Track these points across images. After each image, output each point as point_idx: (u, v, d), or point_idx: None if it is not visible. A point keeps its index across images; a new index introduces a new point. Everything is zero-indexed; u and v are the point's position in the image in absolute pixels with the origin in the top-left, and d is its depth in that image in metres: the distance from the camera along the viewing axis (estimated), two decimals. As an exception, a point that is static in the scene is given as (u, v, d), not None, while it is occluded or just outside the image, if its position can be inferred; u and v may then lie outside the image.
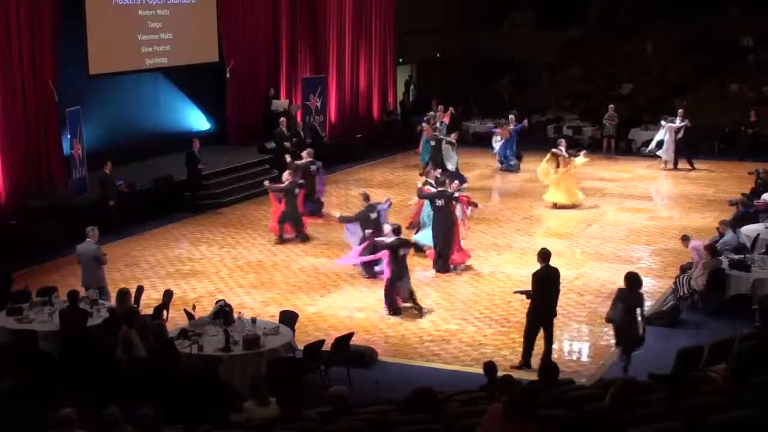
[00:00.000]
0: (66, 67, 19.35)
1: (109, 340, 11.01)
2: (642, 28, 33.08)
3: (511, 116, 24.94)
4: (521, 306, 12.75)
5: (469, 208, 16.64)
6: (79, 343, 11.27)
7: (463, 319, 13.67)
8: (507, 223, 19.20)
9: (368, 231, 15.00)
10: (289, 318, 12.15)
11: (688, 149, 24.58)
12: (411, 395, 7.87)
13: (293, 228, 17.89)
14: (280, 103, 24.79)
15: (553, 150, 20.39)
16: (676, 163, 24.60)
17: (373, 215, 15.60)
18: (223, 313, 11.47)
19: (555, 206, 20.22)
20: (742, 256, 14.19)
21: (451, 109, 25.27)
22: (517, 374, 10.70)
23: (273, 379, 10.15)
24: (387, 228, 14.41)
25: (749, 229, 15.78)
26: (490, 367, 9.76)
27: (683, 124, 24.25)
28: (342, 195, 22.18)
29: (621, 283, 11.53)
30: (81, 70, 19.85)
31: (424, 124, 23.85)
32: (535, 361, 11.70)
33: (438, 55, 33.82)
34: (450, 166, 21.52)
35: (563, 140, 21.27)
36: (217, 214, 20.08)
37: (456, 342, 12.84)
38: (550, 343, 11.90)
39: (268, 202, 20.12)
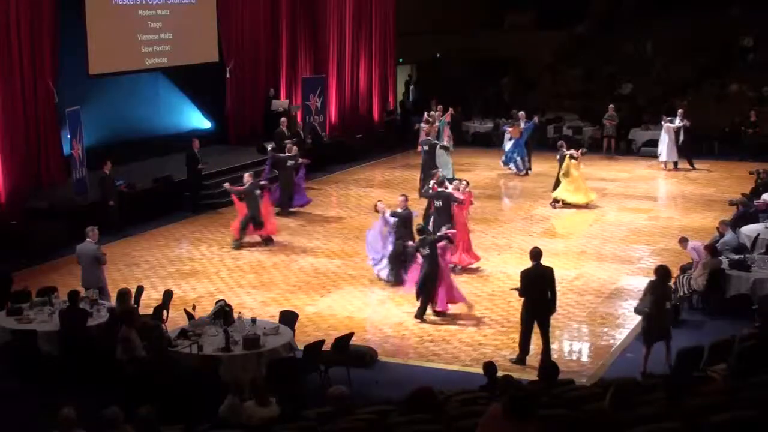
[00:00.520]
0: (66, 67, 19.36)
1: (109, 340, 11.02)
2: (642, 28, 33.06)
3: (521, 113, 24.55)
4: (521, 306, 12.74)
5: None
6: (79, 343, 11.26)
7: (463, 319, 13.67)
8: (507, 223, 19.20)
9: (409, 243, 14.61)
10: (289, 318, 12.15)
11: (688, 149, 24.57)
12: (411, 395, 7.87)
13: (256, 230, 17.57)
14: (280, 103, 24.80)
15: (571, 154, 20.30)
16: (676, 163, 24.59)
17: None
18: (223, 313, 11.47)
19: (568, 205, 20.19)
20: (742, 256, 14.19)
21: (450, 109, 25.27)
22: (517, 374, 10.71)
23: (273, 379, 10.16)
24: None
25: (749, 229, 15.78)
26: (490, 367, 9.76)
27: (682, 124, 24.22)
28: (342, 195, 22.18)
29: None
30: (81, 70, 19.86)
31: (422, 125, 23.77)
32: (536, 360, 11.70)
33: (438, 55, 33.82)
34: (446, 172, 21.22)
35: (564, 141, 21.25)
36: (217, 214, 20.07)
37: (456, 342, 12.84)
38: (547, 340, 11.96)
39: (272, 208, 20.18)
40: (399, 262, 15.05)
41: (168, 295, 13.02)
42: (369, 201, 21.30)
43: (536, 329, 12.02)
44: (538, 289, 11.89)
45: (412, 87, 33.43)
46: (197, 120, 24.54)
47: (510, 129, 24.26)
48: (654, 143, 26.12)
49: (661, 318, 11.48)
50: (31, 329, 11.62)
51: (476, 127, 29.42)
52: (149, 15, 21.81)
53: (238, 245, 17.38)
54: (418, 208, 17.29)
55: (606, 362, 12.15)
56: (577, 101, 30.66)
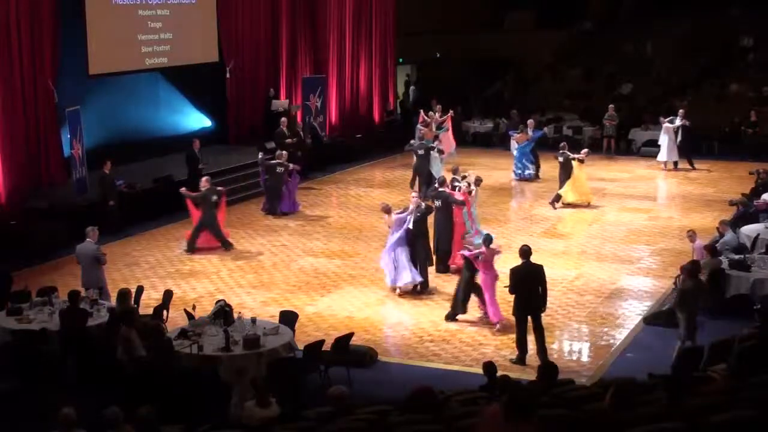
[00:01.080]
0: (66, 67, 19.36)
1: (109, 340, 11.02)
2: (642, 28, 33.06)
3: (530, 121, 24.12)
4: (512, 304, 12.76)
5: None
6: (79, 343, 11.26)
7: (463, 320, 13.67)
8: (507, 224, 19.21)
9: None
10: (289, 318, 12.15)
11: (688, 149, 24.56)
12: (411, 395, 7.87)
13: (214, 237, 17.17)
14: (280, 103, 24.80)
15: (579, 158, 20.30)
16: (676, 163, 24.59)
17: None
18: (223, 313, 11.47)
19: (569, 205, 20.20)
20: (742, 256, 14.19)
21: (451, 111, 25.26)
22: (517, 374, 10.72)
23: (273, 379, 10.16)
24: None
25: (749, 229, 15.78)
26: (489, 367, 9.77)
27: (681, 123, 24.20)
28: (342, 195, 22.18)
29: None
30: (81, 70, 19.86)
31: (420, 127, 23.70)
32: (536, 360, 11.70)
33: (438, 55, 33.81)
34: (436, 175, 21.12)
35: (565, 143, 21.22)
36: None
37: (456, 342, 12.84)
38: (541, 337, 12.02)
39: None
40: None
41: (168, 295, 13.02)
42: (369, 201, 21.34)
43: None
44: (527, 286, 11.97)
45: (412, 87, 33.43)
46: (197, 120, 24.54)
47: (517, 136, 23.72)
48: (654, 143, 26.13)
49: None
50: (31, 329, 11.62)
51: (476, 127, 29.41)
52: (149, 15, 21.81)
53: (192, 250, 16.96)
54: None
55: (606, 362, 12.16)
56: (577, 101, 30.66)
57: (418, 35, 31.76)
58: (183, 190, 17.45)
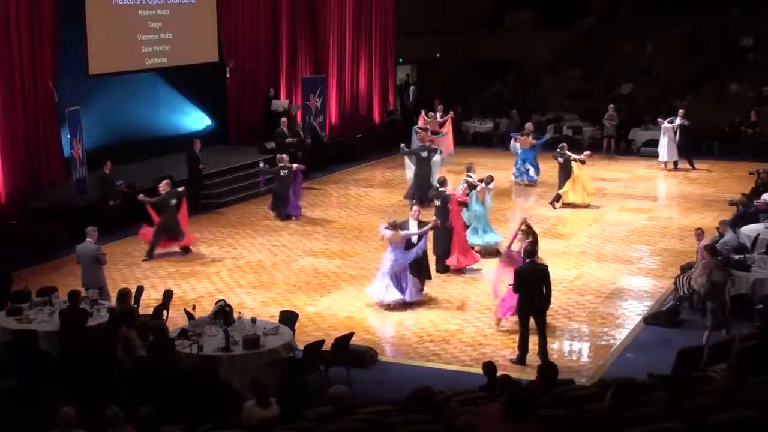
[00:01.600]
0: (66, 67, 19.35)
1: (109, 340, 11.02)
2: (642, 28, 33.07)
3: (528, 124, 23.82)
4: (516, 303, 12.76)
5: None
6: (79, 343, 11.26)
7: (463, 319, 13.68)
8: (507, 224, 19.19)
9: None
10: (289, 318, 12.15)
11: (687, 149, 24.56)
12: (410, 395, 7.87)
13: (174, 240, 16.91)
14: (280, 103, 24.80)
15: (582, 159, 20.29)
16: (676, 163, 24.59)
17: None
18: (223, 313, 11.47)
19: (569, 205, 20.21)
20: (742, 256, 14.19)
21: (451, 112, 25.21)
22: (517, 374, 10.72)
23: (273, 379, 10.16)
24: None
25: (749, 229, 15.77)
26: (489, 367, 9.76)
27: (680, 122, 24.18)
28: (342, 195, 22.18)
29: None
30: (81, 70, 19.86)
31: (418, 130, 23.62)
32: (536, 360, 11.70)
33: (438, 55, 33.81)
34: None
35: (564, 143, 21.19)
36: (217, 214, 20.08)
37: (456, 342, 12.84)
38: (543, 337, 12.01)
39: (269, 202, 20.17)
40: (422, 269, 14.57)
41: (168, 295, 13.02)
42: (369, 201, 21.35)
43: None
44: (532, 286, 11.95)
45: (412, 87, 33.42)
46: (197, 120, 24.54)
47: (521, 138, 23.04)
48: (654, 143, 26.13)
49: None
50: (31, 329, 11.62)
51: (476, 127, 29.41)
52: (149, 15, 21.81)
53: (150, 256, 16.68)
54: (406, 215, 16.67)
55: (606, 362, 12.16)
56: (577, 101, 30.66)
57: (418, 35, 31.76)
58: (141, 196, 17.06)
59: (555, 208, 20.21)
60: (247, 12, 24.32)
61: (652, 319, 13.51)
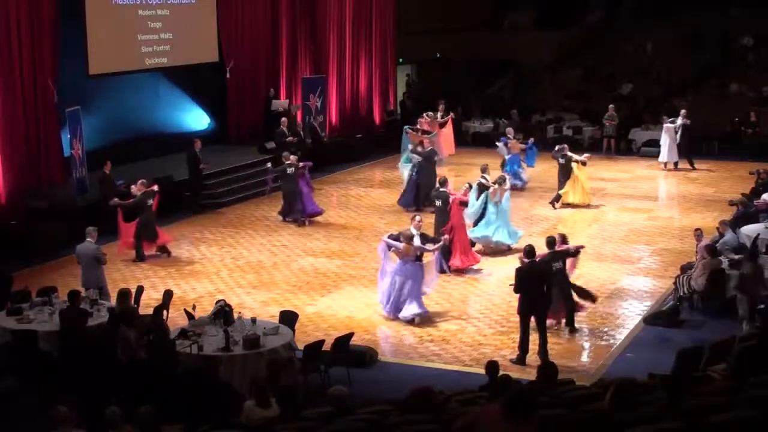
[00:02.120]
0: (66, 67, 19.35)
1: (109, 340, 11.02)
2: (642, 28, 33.06)
3: (509, 129, 23.59)
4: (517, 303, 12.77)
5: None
6: (79, 343, 11.26)
7: (463, 319, 13.68)
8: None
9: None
10: (289, 318, 12.15)
11: (688, 149, 24.56)
12: (410, 395, 7.87)
13: (151, 242, 16.77)
14: (280, 103, 24.80)
15: (583, 161, 20.29)
16: (676, 163, 24.59)
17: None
18: (223, 313, 11.47)
19: (569, 205, 20.20)
20: (742, 256, 14.18)
21: (451, 113, 25.14)
22: (517, 374, 10.71)
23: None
24: None
25: (749, 229, 15.77)
26: (492, 366, 9.71)
27: (682, 122, 24.16)
28: (342, 195, 22.18)
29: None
30: (81, 70, 19.86)
31: (409, 130, 23.58)
32: (536, 359, 11.71)
33: (438, 55, 33.81)
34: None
35: (566, 145, 21.17)
36: (217, 214, 20.08)
37: (456, 342, 12.84)
38: (544, 337, 12.03)
39: (268, 202, 20.18)
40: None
41: (168, 295, 12.99)
42: (369, 201, 21.35)
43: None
44: (532, 285, 11.98)
45: (412, 87, 33.41)
46: (197, 120, 24.53)
47: (512, 142, 22.64)
48: (654, 143, 26.14)
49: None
50: (31, 329, 11.62)
51: (476, 127, 29.39)
52: (149, 15, 21.81)
53: (141, 258, 16.63)
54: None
55: (606, 362, 12.16)
56: (577, 101, 30.66)
57: (418, 35, 31.74)
58: (115, 200, 16.67)
59: (555, 208, 20.21)
60: (247, 12, 24.32)
61: (652, 319, 13.51)
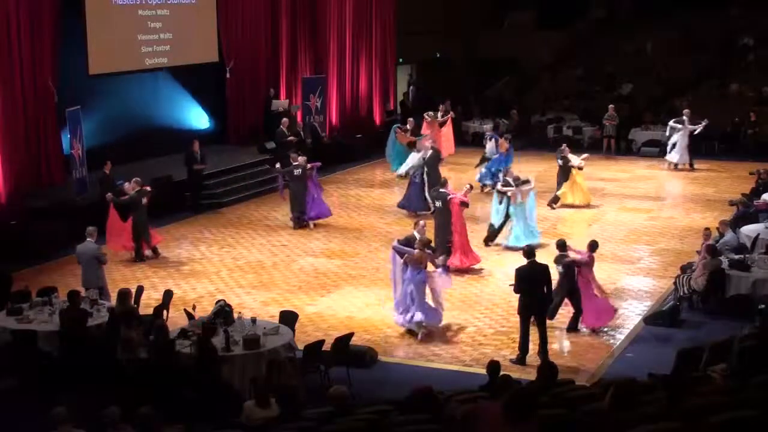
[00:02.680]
0: (66, 67, 19.35)
1: (109, 340, 11.02)
2: (642, 28, 33.07)
3: (486, 129, 23.48)
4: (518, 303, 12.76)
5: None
6: (79, 343, 11.26)
7: (463, 319, 13.67)
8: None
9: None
10: (289, 318, 12.14)
11: (688, 149, 24.55)
12: (411, 395, 7.87)
13: (147, 242, 16.64)
14: (280, 103, 24.79)
15: (579, 166, 20.27)
16: (676, 165, 24.57)
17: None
18: (223, 313, 11.46)
19: (567, 205, 20.21)
20: (742, 256, 14.19)
21: (451, 113, 25.09)
22: (517, 374, 10.71)
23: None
24: None
25: (749, 229, 15.78)
26: (493, 366, 9.69)
27: (703, 124, 24.08)
28: (342, 195, 22.18)
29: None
30: (81, 70, 19.86)
31: (398, 130, 23.48)
32: (536, 360, 11.71)
33: (438, 55, 33.81)
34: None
35: (566, 146, 21.13)
36: (217, 214, 20.08)
37: (456, 342, 12.83)
38: (544, 338, 12.03)
39: (268, 202, 20.17)
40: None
41: (168, 295, 13.01)
42: (369, 201, 21.35)
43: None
44: (532, 286, 12.00)
45: (411, 87, 33.41)
46: (197, 120, 24.53)
47: (502, 141, 22.06)
48: (654, 143, 26.12)
49: None
50: (31, 329, 11.62)
51: (476, 127, 29.37)
52: (149, 15, 21.80)
53: (141, 258, 16.58)
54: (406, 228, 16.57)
55: (606, 362, 12.16)
56: (577, 101, 30.66)
57: (418, 35, 31.75)
58: (109, 196, 16.61)
59: (553, 209, 20.20)
60: (247, 12, 24.31)
61: (652, 319, 13.51)
